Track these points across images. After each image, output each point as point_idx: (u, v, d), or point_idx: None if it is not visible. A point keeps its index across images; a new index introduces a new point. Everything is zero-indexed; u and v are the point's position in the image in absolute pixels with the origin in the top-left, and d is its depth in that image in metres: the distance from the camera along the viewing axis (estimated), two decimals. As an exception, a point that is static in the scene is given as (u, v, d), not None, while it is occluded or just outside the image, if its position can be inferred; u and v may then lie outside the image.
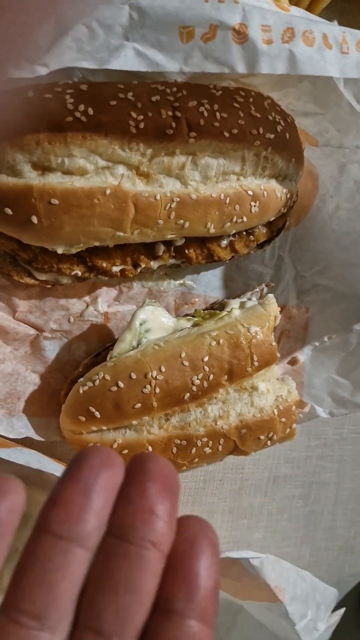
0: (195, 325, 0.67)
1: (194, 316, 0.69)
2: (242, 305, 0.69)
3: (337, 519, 0.90)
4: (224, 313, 0.67)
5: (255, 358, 0.66)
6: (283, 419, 0.69)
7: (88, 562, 0.27)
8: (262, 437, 0.68)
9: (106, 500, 0.27)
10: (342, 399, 0.77)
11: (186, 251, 0.66)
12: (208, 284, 0.75)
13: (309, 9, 0.71)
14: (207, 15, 0.48)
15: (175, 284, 0.73)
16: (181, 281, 0.73)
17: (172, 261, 0.67)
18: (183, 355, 0.63)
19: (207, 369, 0.64)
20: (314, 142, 0.73)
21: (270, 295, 0.70)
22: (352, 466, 0.89)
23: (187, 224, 0.61)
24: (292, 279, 0.79)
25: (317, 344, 0.81)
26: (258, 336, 0.66)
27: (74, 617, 0.27)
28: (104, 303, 0.70)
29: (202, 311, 0.69)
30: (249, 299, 0.72)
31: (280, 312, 0.80)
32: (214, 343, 0.64)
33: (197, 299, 0.75)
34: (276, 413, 0.68)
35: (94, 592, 0.27)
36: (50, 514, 0.27)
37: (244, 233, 0.69)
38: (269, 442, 0.70)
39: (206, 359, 0.64)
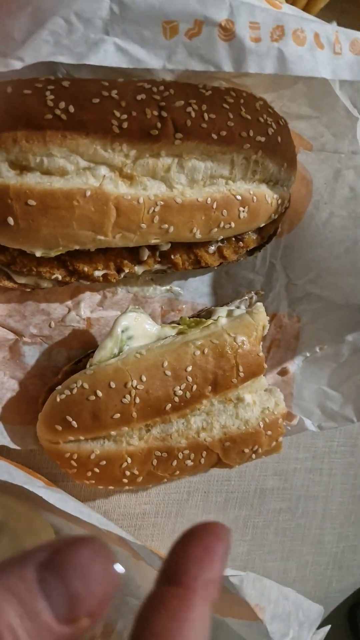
0: (180, 333, 0.65)
1: (179, 324, 0.67)
2: (229, 314, 0.67)
3: (325, 533, 0.87)
4: (210, 321, 0.65)
5: (241, 369, 0.63)
6: (269, 432, 0.67)
7: None
8: (246, 450, 0.66)
9: None
10: (331, 411, 0.75)
11: (172, 257, 0.64)
12: (196, 290, 0.73)
13: (306, 8, 0.69)
14: (192, 10, 0.46)
15: (161, 290, 0.71)
16: (168, 287, 0.71)
17: (157, 266, 0.65)
18: (165, 364, 0.61)
19: (190, 379, 0.61)
20: (309, 147, 0.71)
21: (259, 304, 0.67)
22: (342, 480, 0.87)
23: (171, 229, 0.59)
24: (284, 287, 0.77)
25: (308, 354, 0.78)
26: (245, 346, 0.64)
27: None
28: (87, 308, 0.68)
29: (187, 319, 0.67)
30: (238, 307, 0.70)
31: (271, 321, 0.78)
32: (198, 352, 0.62)
33: (184, 306, 0.72)
34: (262, 426, 0.66)
35: None
36: None
37: (233, 239, 0.66)
38: (253, 456, 0.67)
39: (190, 368, 0.61)
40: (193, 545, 0.27)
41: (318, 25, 0.50)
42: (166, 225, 0.58)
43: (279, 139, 0.62)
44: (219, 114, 0.58)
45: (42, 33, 0.44)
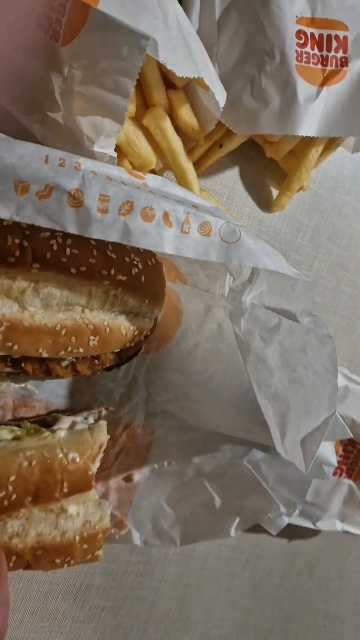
0: (15, 439, 0.66)
1: (19, 426, 0.68)
2: (72, 426, 0.69)
3: (146, 637, 0.89)
4: (48, 433, 0.67)
5: (65, 485, 0.65)
6: (85, 546, 0.69)
7: None
8: (58, 561, 0.68)
9: None
10: (161, 529, 0.77)
11: (22, 364, 0.66)
12: (52, 391, 0.75)
13: (204, 157, 0.73)
14: (44, 175, 0.49)
15: (15, 387, 0.72)
16: (23, 385, 0.73)
17: (8, 370, 0.67)
18: (-10, 470, 0.62)
19: (10, 488, 0.63)
20: (184, 280, 0.74)
21: (102, 423, 0.70)
22: (172, 587, 0.89)
23: (15, 347, 0.61)
24: (143, 401, 0.80)
25: (156, 466, 0.81)
26: (75, 463, 0.66)
27: None
28: None
29: (29, 424, 0.68)
30: (86, 418, 0.72)
31: (125, 429, 0.80)
32: (25, 463, 0.64)
33: (37, 404, 0.74)
34: (78, 539, 0.68)
35: None
36: None
37: (89, 356, 0.69)
38: (66, 565, 0.69)
39: (12, 478, 0.63)
40: None
41: (170, 205, 0.53)
42: (10, 343, 0.60)
43: (143, 278, 0.65)
44: (83, 250, 0.60)
45: None
